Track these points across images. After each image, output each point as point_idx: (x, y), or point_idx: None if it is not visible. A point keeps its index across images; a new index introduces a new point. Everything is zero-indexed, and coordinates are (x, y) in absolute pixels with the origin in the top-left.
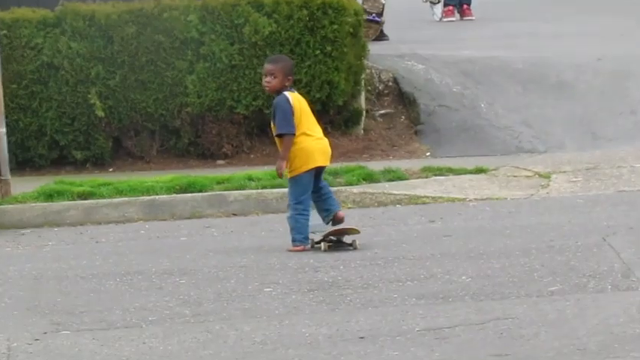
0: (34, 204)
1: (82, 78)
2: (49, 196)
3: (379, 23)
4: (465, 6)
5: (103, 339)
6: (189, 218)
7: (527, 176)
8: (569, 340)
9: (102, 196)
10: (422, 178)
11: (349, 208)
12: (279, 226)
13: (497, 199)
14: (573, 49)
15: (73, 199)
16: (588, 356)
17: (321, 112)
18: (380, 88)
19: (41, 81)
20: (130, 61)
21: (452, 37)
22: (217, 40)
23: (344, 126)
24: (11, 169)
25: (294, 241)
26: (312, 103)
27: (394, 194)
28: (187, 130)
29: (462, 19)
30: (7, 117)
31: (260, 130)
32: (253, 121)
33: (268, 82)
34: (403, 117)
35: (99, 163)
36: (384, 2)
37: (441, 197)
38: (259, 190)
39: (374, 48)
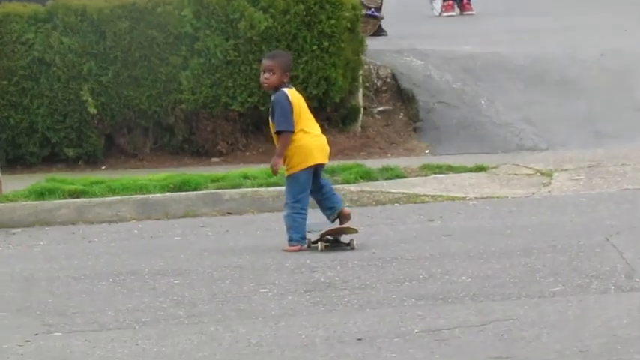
0: (25, 203)
1: (74, 74)
2: (41, 194)
3: (377, 18)
4: (465, 0)
5: (96, 340)
6: (183, 217)
7: (529, 174)
8: (571, 342)
9: (94, 195)
10: (421, 176)
11: (347, 207)
12: (275, 225)
13: (497, 197)
14: (576, 45)
15: (65, 198)
16: (591, 358)
17: (318, 109)
18: (378, 84)
19: (32, 77)
20: (122, 57)
21: (452, 33)
22: (212, 35)
23: (341, 123)
24: (2, 167)
25: (290, 240)
26: (308, 99)
27: (392, 193)
28: (181, 127)
29: (462, 13)
30: None
31: (256, 128)
32: (249, 118)
33: (267, 78)
34: (402, 114)
35: (91, 161)
36: None
37: (440, 196)
38: (255, 189)
39: (372, 43)
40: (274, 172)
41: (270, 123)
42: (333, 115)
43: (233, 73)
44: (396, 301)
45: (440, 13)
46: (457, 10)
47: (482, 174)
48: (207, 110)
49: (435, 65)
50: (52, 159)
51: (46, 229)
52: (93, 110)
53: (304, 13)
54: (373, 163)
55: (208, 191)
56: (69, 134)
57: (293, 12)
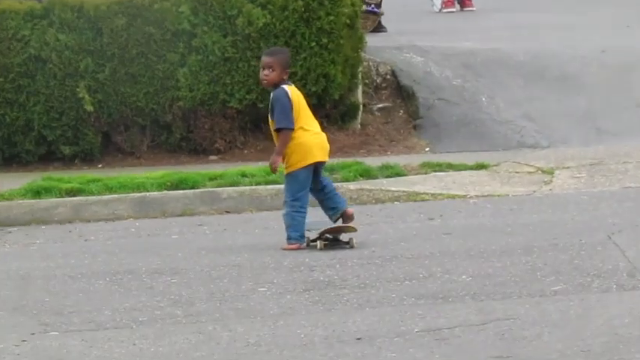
0: (21, 201)
1: (71, 71)
2: (37, 192)
3: (377, 14)
4: None
5: (92, 340)
6: (180, 216)
7: (530, 172)
8: (572, 342)
9: (91, 193)
10: (421, 174)
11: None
12: (273, 223)
13: (498, 195)
14: (577, 41)
15: (62, 196)
16: (592, 358)
17: (317, 106)
18: (378, 81)
19: (28, 74)
20: (119, 54)
21: (452, 29)
22: (210, 32)
23: (340, 120)
24: None
25: (289, 239)
26: (307, 96)
27: (392, 191)
28: (179, 124)
29: (462, 9)
30: None
31: (254, 125)
32: (247, 115)
33: (266, 75)
34: (401, 111)
35: (88, 158)
36: None
37: (440, 194)
38: (253, 187)
39: (371, 40)
40: (273, 170)
41: (270, 120)
42: (332, 112)
43: (231, 70)
44: (396, 300)
45: (440, 9)
46: (457, 7)
47: (482, 172)
48: (205, 108)
49: (435, 62)
50: (48, 157)
51: (43, 227)
52: (89, 108)
53: (303, 9)
54: (373, 161)
55: (206, 189)
56: (65, 132)
57: (291, 8)
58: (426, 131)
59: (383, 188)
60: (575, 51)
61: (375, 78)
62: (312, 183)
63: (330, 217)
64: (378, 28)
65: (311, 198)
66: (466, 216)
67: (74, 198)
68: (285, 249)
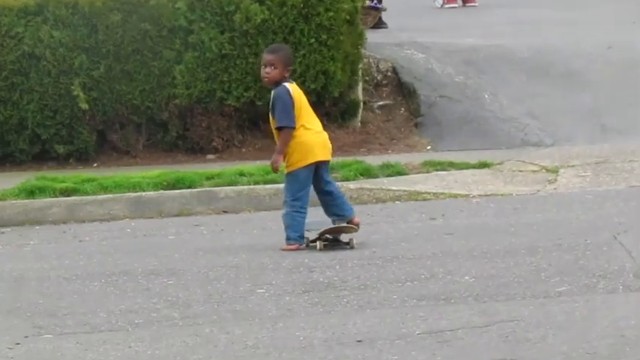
0: (14, 201)
1: (65, 68)
2: (31, 192)
3: (378, 10)
4: None
5: (87, 343)
6: (177, 216)
7: (534, 171)
8: (578, 344)
9: (86, 193)
10: (422, 173)
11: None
12: (272, 224)
13: (501, 195)
14: (582, 37)
15: (56, 196)
16: None
17: (317, 104)
18: (378, 78)
19: (22, 72)
20: (115, 51)
21: (454, 25)
22: (207, 28)
23: (340, 118)
24: None
25: (288, 239)
26: (306, 94)
27: (393, 190)
28: (175, 123)
29: (464, 5)
30: None
31: (252, 123)
32: (245, 113)
33: (267, 73)
34: (403, 109)
35: (83, 158)
36: None
37: (442, 193)
38: (251, 186)
39: (372, 36)
40: (275, 170)
41: (271, 118)
42: (331, 110)
43: (228, 67)
44: (397, 301)
45: (442, 5)
46: (459, 2)
47: (485, 170)
48: (201, 105)
49: (436, 58)
50: (42, 156)
51: (37, 228)
52: (84, 106)
53: (302, 5)
54: (373, 160)
55: (203, 189)
56: (59, 130)
57: (290, 4)
58: (428, 129)
59: (384, 187)
60: (580, 47)
61: (376, 75)
62: (315, 182)
63: (333, 222)
64: (379, 24)
65: (311, 197)
66: (469, 216)
67: (69, 198)
68: (284, 249)
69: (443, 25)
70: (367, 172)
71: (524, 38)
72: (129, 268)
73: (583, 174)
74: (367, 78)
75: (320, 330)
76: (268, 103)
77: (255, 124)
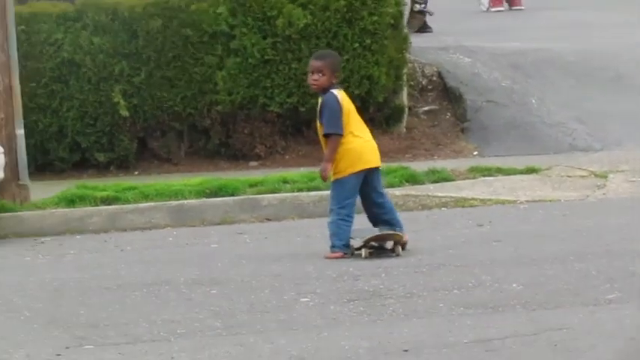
0: (54, 210)
1: (105, 75)
2: (71, 201)
3: (423, 13)
4: None
5: (129, 354)
6: (219, 224)
7: (582, 176)
8: (628, 353)
9: (127, 201)
10: (469, 179)
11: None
12: (315, 231)
13: (550, 200)
14: (631, 40)
15: (96, 205)
16: None
17: (361, 110)
18: (423, 83)
19: (61, 79)
20: (155, 57)
21: (500, 28)
22: (249, 33)
23: (385, 124)
24: (30, 174)
25: (333, 247)
26: (350, 99)
27: (439, 197)
28: (217, 129)
29: (510, 8)
30: (25, 118)
31: (295, 130)
32: (288, 119)
33: (315, 80)
34: (448, 114)
35: (123, 165)
36: None
37: (489, 199)
38: (295, 194)
39: (416, 40)
40: (324, 178)
41: (318, 125)
42: (376, 115)
43: (271, 73)
44: (444, 310)
45: (488, 8)
46: (506, 5)
47: (533, 176)
48: (244, 112)
49: (482, 62)
50: (82, 164)
51: (77, 237)
52: (125, 113)
53: (345, 9)
54: (419, 166)
55: (246, 196)
56: (100, 138)
57: (333, 8)
58: (474, 134)
59: (429, 194)
60: (629, 50)
61: (421, 80)
62: (366, 192)
63: (379, 229)
64: (424, 28)
65: (356, 205)
66: (516, 222)
67: (109, 206)
68: (328, 258)
69: (489, 29)
70: (413, 179)
71: (571, 41)
72: (171, 277)
73: (633, 179)
74: (412, 83)
75: (365, 339)
76: (311, 109)
77: (299, 130)
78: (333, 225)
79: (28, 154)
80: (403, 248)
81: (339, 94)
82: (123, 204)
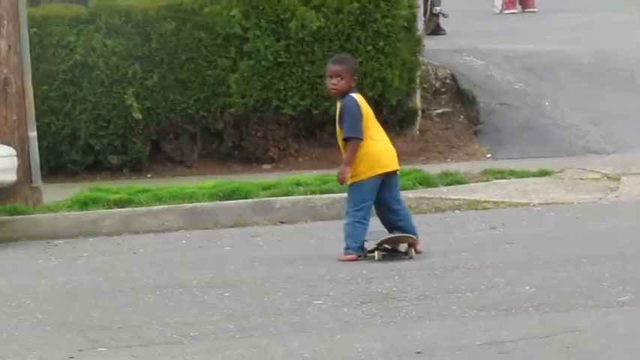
0: (67, 213)
1: (118, 78)
2: (84, 204)
3: (437, 16)
4: None
5: (142, 356)
6: (233, 227)
7: (595, 179)
8: None
9: (140, 204)
10: (482, 181)
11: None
12: (329, 234)
13: (562, 203)
14: None
15: (109, 208)
16: None
17: (374, 112)
18: (436, 85)
19: (74, 81)
20: (168, 60)
21: (513, 30)
22: (262, 36)
23: (398, 126)
24: (43, 176)
25: (347, 248)
26: None
27: (452, 199)
28: (230, 132)
29: (523, 10)
30: (38, 120)
31: (308, 132)
32: (301, 122)
33: (334, 84)
34: (462, 116)
35: (136, 168)
36: None
37: (502, 202)
38: (308, 196)
39: (429, 43)
40: (341, 181)
41: (337, 130)
42: (389, 118)
43: (284, 76)
44: (457, 312)
45: (501, 11)
46: (519, 7)
47: (546, 178)
48: (257, 114)
49: (496, 65)
50: (95, 167)
51: (90, 240)
52: (138, 115)
53: (358, 11)
54: (432, 168)
55: (259, 199)
56: (113, 141)
57: (346, 11)
58: (487, 137)
59: (443, 196)
60: None
61: (434, 82)
62: (383, 198)
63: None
64: (437, 31)
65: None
66: (529, 224)
67: (122, 209)
68: (341, 260)
69: (502, 31)
70: (426, 181)
71: (585, 43)
72: (184, 279)
73: None
74: (425, 85)
75: (378, 341)
76: (324, 111)
77: (312, 133)
78: (349, 227)
79: (40, 156)
80: (416, 251)
81: (359, 98)
82: (136, 207)
